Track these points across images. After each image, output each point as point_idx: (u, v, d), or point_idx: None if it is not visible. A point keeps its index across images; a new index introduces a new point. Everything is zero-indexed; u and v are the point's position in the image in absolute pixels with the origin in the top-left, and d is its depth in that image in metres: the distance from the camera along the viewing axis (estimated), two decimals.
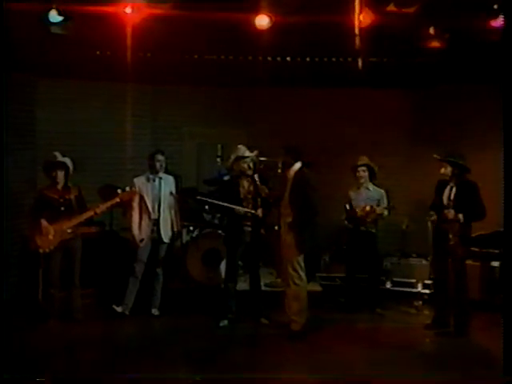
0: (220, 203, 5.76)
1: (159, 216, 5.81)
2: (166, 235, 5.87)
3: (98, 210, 5.53)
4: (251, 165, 5.62)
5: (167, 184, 5.92)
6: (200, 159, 8.24)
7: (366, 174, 6.28)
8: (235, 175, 5.66)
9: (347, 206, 6.31)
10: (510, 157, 3.94)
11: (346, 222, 6.34)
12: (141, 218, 5.81)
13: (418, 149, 7.46)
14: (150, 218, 5.79)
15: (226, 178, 6.26)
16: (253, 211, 5.58)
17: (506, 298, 3.98)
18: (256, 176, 5.60)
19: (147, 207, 5.79)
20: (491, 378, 4.35)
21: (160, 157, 5.85)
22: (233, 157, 5.67)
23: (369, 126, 7.76)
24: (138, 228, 5.78)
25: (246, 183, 5.65)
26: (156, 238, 5.84)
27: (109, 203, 5.57)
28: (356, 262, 6.30)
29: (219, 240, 6.35)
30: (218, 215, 6.97)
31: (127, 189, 5.61)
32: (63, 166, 5.55)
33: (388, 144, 7.73)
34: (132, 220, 5.80)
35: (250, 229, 5.63)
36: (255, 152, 5.68)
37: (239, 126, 7.93)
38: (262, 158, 6.01)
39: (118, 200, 5.55)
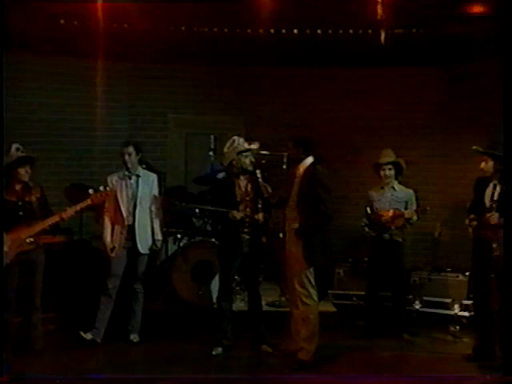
0: (210, 208, 5.72)
1: (134, 221, 5.75)
2: (143, 245, 5.79)
3: (64, 215, 5.42)
4: (253, 159, 5.59)
5: (146, 183, 5.85)
6: (189, 153, 8.22)
7: (393, 172, 6.20)
8: (233, 173, 5.61)
9: (368, 210, 6.24)
10: (510, 156, 4.26)
11: (366, 229, 6.28)
12: (114, 224, 5.75)
13: (453, 139, 7.48)
14: (123, 223, 5.75)
15: (221, 175, 6.24)
16: (253, 215, 5.52)
17: (505, 297, 4.19)
18: (258, 172, 5.54)
19: (120, 211, 5.74)
20: (491, 378, 4.74)
21: (125, 149, 5.78)
22: (227, 150, 5.63)
23: (392, 113, 7.81)
24: (111, 235, 5.74)
25: (244, 182, 5.61)
26: (132, 248, 5.78)
27: (78, 206, 5.46)
28: (378, 276, 6.24)
29: (212, 250, 6.31)
30: (211, 221, 6.95)
31: (101, 189, 5.52)
32: (28, 161, 5.43)
33: (415, 133, 7.73)
34: (104, 226, 5.77)
35: (248, 237, 5.56)
36: (256, 144, 5.64)
37: (236, 112, 7.97)
38: (263, 152, 6.06)
39: (89, 202, 5.43)
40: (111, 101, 7.69)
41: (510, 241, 4.29)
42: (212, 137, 7.36)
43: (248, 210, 5.55)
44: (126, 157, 5.75)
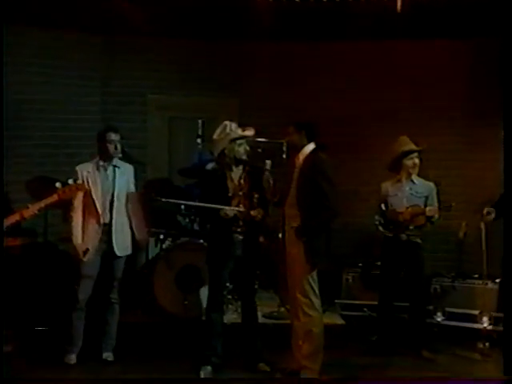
0: (198, 204, 5.69)
1: (111, 219, 5.72)
2: (120, 246, 5.76)
3: (26, 214, 5.32)
4: (247, 148, 5.60)
5: (124, 175, 5.82)
6: (173, 140, 8.25)
7: (419, 162, 6.21)
8: (225, 163, 5.61)
9: (383, 206, 6.23)
10: (510, 156, 4.66)
11: (380, 228, 6.25)
12: (86, 222, 5.69)
13: (480, 124, 7.50)
14: (98, 222, 5.69)
15: (210, 166, 6.23)
16: (248, 212, 5.50)
17: (506, 296, 4.51)
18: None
19: (95, 207, 5.69)
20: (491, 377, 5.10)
21: (113, 136, 5.74)
22: (218, 137, 5.62)
23: (408, 93, 7.82)
24: (82, 236, 5.67)
25: (237, 173, 5.62)
26: (108, 250, 5.72)
27: (43, 203, 5.34)
28: (393, 284, 6.21)
29: (200, 253, 6.27)
30: (199, 218, 6.95)
31: (70, 182, 5.42)
32: None
33: (436, 118, 7.74)
34: (73, 225, 5.70)
35: (242, 237, 5.55)
36: (251, 131, 5.64)
37: (227, 93, 8.00)
38: (259, 139, 6.05)
39: (56, 198, 5.28)
40: (81, 78, 7.69)
41: (510, 240, 4.53)
42: (200, 121, 7.37)
43: (242, 205, 5.53)
44: (113, 147, 5.70)
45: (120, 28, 7.40)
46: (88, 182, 5.70)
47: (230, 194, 5.57)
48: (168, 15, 6.99)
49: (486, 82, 7.50)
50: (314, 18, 6.97)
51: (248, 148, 5.61)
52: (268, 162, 5.55)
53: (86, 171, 5.73)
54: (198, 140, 7.30)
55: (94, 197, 5.69)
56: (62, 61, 7.43)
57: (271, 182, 5.56)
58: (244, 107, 7.80)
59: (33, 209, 5.36)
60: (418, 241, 6.17)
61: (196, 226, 7.05)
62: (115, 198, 5.73)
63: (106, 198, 5.72)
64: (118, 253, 5.74)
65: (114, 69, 7.90)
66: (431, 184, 6.28)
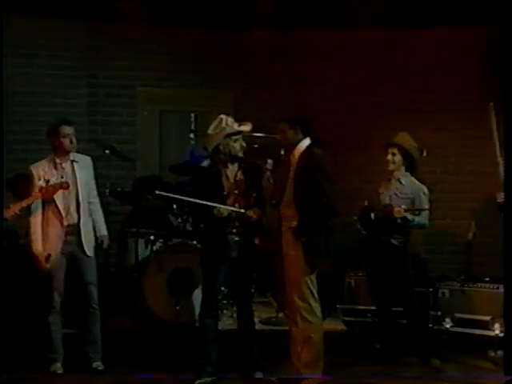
0: (190, 199, 5.69)
1: (79, 219, 5.66)
2: (89, 246, 5.70)
3: (7, 214, 5.33)
4: (243, 144, 5.57)
5: (83, 169, 5.74)
6: (164, 134, 8.26)
7: (398, 158, 6.11)
8: (219, 160, 5.60)
9: (365, 202, 6.26)
10: (510, 155, 4.78)
11: (358, 226, 6.28)
12: (46, 226, 5.62)
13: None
14: (61, 223, 5.63)
15: (206, 163, 6.22)
16: (243, 211, 5.47)
17: (506, 295, 4.63)
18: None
19: (57, 208, 5.60)
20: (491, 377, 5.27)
21: (68, 129, 5.65)
22: (213, 132, 5.59)
23: (416, 85, 7.78)
24: (42, 241, 5.60)
25: (233, 171, 5.60)
26: (75, 252, 5.66)
27: (24, 203, 5.41)
28: (381, 288, 6.19)
29: (193, 255, 6.29)
30: (192, 218, 6.96)
31: (54, 180, 5.45)
32: None
33: (444, 111, 7.74)
34: (32, 231, 5.61)
35: (238, 238, 5.54)
36: (248, 126, 5.63)
37: (221, 85, 8.05)
38: (257, 134, 6.12)
39: (39, 197, 5.39)
40: (66, 69, 7.67)
41: (510, 241, 4.63)
42: (192, 115, 7.37)
43: (237, 205, 5.49)
44: (68, 141, 5.59)
45: (108, 16, 7.36)
46: (47, 182, 5.53)
47: (225, 193, 5.53)
48: (159, 2, 6.98)
49: (497, 73, 7.50)
50: (314, 5, 6.97)
51: (244, 144, 5.57)
52: (270, 161, 5.58)
53: (42, 170, 5.59)
54: (191, 135, 7.31)
55: (55, 197, 5.56)
56: (46, 51, 7.41)
57: (271, 182, 5.56)
58: (240, 100, 7.77)
59: (14, 209, 5.40)
60: (397, 243, 6.08)
61: (189, 227, 7.05)
62: (80, 196, 5.64)
63: (68, 198, 5.62)
64: (88, 253, 5.66)
65: (101, 59, 7.87)
66: (421, 186, 6.16)
